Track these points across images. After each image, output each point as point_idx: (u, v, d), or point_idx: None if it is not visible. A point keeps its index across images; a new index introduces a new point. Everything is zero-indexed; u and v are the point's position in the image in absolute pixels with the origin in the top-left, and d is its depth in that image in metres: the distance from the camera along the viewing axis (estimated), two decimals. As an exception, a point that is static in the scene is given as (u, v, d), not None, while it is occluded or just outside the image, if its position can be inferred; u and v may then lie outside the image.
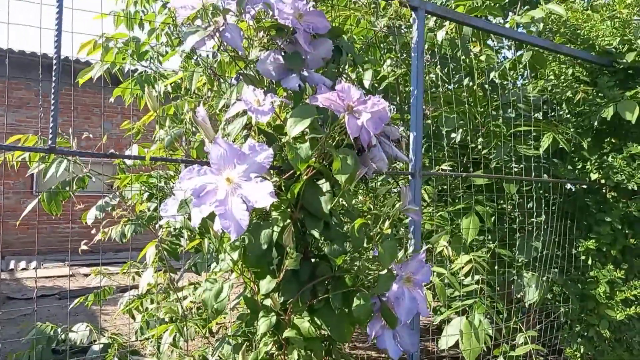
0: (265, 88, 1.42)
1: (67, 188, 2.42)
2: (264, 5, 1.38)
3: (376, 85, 2.53)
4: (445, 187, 2.62)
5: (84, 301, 2.58)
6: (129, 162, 2.82)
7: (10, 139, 2.17)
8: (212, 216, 1.12)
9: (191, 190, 1.08)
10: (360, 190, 1.66)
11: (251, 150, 1.10)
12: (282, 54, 1.43)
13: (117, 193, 2.73)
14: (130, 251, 2.41)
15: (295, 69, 1.40)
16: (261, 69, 1.40)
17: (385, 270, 1.24)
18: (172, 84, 2.68)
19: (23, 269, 7.91)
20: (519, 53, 2.75)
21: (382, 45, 2.50)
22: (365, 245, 1.37)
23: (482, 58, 2.71)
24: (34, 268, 8.18)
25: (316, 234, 1.32)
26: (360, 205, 1.86)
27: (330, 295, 1.33)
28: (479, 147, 2.69)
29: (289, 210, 1.36)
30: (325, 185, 1.35)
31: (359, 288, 1.32)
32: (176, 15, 1.31)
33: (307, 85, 1.46)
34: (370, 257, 1.35)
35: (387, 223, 1.25)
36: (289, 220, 1.33)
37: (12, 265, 7.92)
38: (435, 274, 2.04)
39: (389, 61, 2.46)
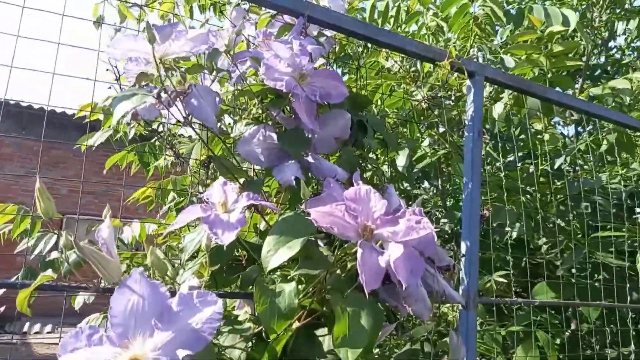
0: (246, 180, 0.96)
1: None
2: (253, 62, 0.94)
3: (414, 163, 2.06)
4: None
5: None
6: (126, 240, 2.40)
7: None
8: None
9: (69, 374, 0.59)
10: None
11: (183, 305, 0.61)
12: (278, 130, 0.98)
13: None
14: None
15: (295, 154, 0.94)
16: (243, 151, 0.94)
17: None
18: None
19: (36, 333, 7.45)
20: (586, 131, 2.24)
21: (421, 119, 2.05)
22: None
23: (546, 137, 2.21)
24: (47, 332, 7.73)
25: None
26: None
27: None
28: (542, 247, 2.13)
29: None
30: (328, 339, 0.83)
31: None
32: (124, 72, 0.88)
33: (311, 176, 0.99)
34: None
35: None
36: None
37: (26, 328, 7.46)
38: None
39: (428, 140, 1.99)
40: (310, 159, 0.97)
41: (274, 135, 0.96)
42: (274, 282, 0.72)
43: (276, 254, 0.71)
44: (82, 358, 0.60)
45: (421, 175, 2.37)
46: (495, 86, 1.89)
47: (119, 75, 0.87)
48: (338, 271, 0.75)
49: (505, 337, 1.94)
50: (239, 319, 0.89)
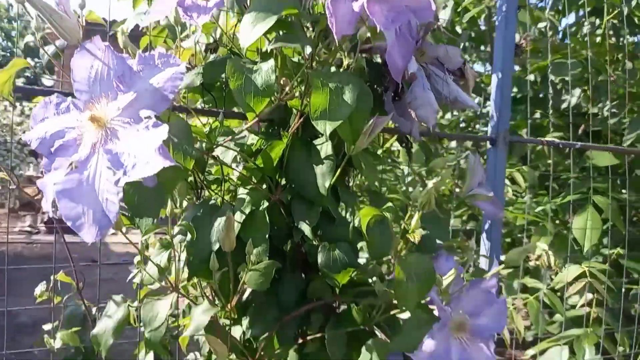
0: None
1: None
2: None
3: (455, 20, 1.85)
4: (548, 168, 1.89)
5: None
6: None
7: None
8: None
9: (38, 139, 0.59)
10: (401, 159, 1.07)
11: (144, 63, 0.57)
12: None
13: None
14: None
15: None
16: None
17: (409, 314, 0.66)
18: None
19: (112, 234, 7.99)
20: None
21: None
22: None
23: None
24: (123, 233, 8.24)
25: (306, 229, 0.77)
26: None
27: (326, 334, 0.77)
28: (604, 113, 1.92)
29: (264, 186, 0.82)
30: (326, 146, 0.78)
31: (372, 328, 0.75)
32: None
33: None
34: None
35: (415, 218, 0.66)
36: (265, 204, 0.80)
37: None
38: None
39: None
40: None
41: None
42: (254, 63, 0.67)
43: (254, 28, 0.64)
44: (50, 126, 0.59)
45: (469, 41, 2.15)
46: None
47: None
48: (325, 54, 0.68)
49: (555, 206, 1.82)
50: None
